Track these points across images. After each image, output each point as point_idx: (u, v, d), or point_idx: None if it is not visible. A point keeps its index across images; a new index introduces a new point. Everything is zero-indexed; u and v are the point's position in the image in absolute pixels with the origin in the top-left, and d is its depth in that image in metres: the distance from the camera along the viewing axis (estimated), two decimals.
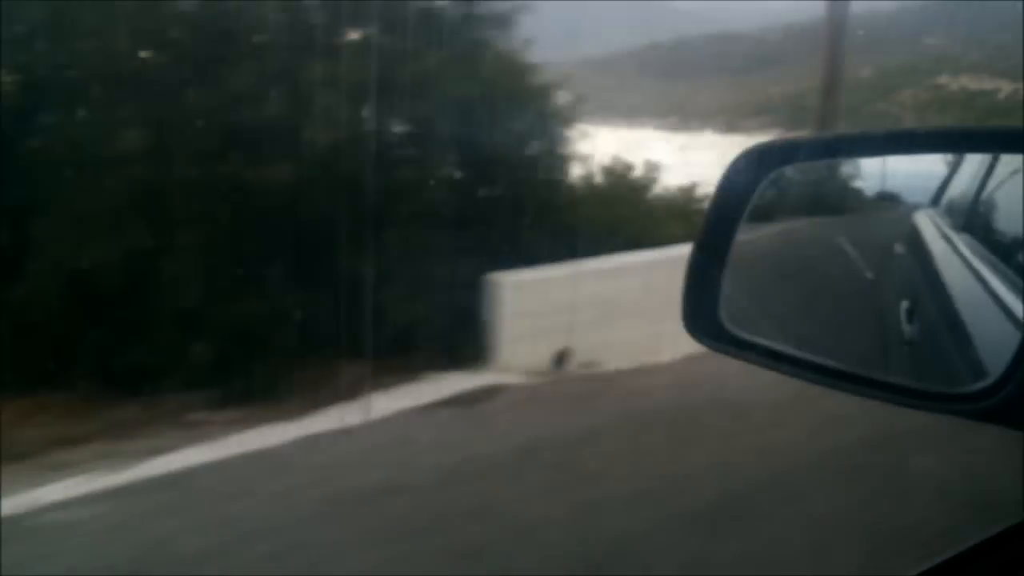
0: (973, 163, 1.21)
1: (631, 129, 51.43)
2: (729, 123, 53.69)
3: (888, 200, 1.20)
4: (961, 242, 1.18)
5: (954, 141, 1.12)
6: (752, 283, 1.19)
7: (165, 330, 8.90)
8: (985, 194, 1.16)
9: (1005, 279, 1.03)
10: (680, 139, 48.68)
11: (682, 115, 55.44)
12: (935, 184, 1.20)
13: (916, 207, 1.20)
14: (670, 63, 59.06)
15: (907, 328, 1.13)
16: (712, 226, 1.11)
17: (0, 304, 7.94)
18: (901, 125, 40.71)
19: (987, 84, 40.26)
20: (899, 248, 1.21)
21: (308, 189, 10.03)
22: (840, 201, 1.20)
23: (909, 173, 1.20)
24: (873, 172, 1.18)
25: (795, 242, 1.24)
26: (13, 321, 7.88)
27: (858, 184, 1.20)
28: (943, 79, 44.04)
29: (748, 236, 1.16)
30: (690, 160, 43.45)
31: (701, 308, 1.10)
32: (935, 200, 1.20)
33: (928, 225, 1.20)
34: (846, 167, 1.14)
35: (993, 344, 0.95)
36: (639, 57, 63.05)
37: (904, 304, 1.16)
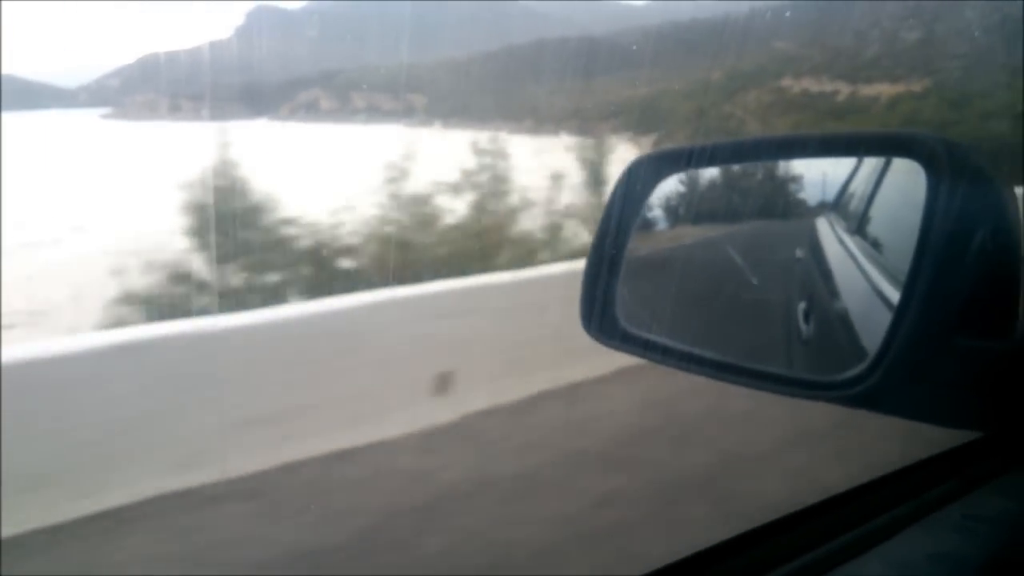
0: (868, 168, 1.31)
1: (481, 133, 51.70)
2: (582, 126, 54.90)
3: (797, 206, 1.29)
4: (853, 244, 1.29)
5: (838, 146, 1.23)
6: (647, 291, 1.26)
7: None
8: (875, 198, 1.27)
9: (887, 274, 1.13)
10: (535, 143, 49.42)
11: (536, 118, 56.30)
12: (836, 190, 1.30)
13: (819, 212, 1.30)
14: (526, 66, 59.85)
15: (804, 328, 1.23)
16: (606, 232, 1.17)
17: None
18: (744, 127, 42.82)
19: (827, 86, 42.77)
20: (800, 252, 1.31)
21: None
22: (747, 208, 1.28)
23: (814, 181, 1.29)
24: (786, 179, 1.26)
25: (689, 251, 1.31)
26: None
27: (769, 190, 1.28)
28: (786, 81, 46.52)
29: (645, 243, 1.23)
30: (546, 163, 44.13)
31: (598, 309, 1.17)
32: (834, 205, 1.30)
33: (826, 229, 1.30)
34: (758, 174, 1.21)
35: (875, 336, 1.05)
36: (496, 60, 63.57)
37: (801, 305, 1.25)
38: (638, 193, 1.19)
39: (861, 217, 1.38)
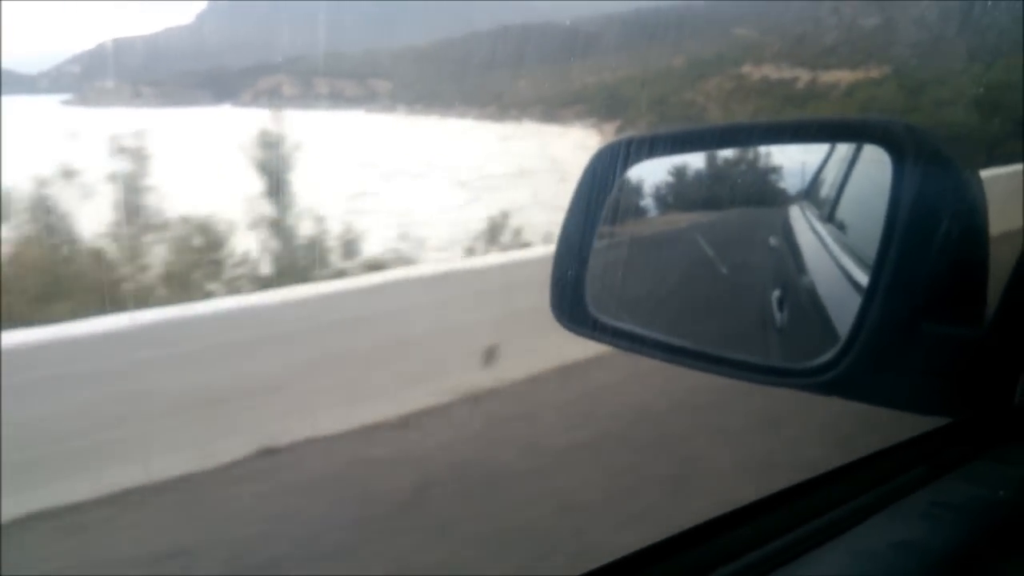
0: (839, 156, 1.31)
1: (447, 120, 51.82)
2: (546, 112, 55.18)
3: (772, 194, 1.29)
4: (825, 231, 1.29)
5: (805, 133, 1.23)
6: (618, 279, 1.25)
7: None
8: (847, 185, 1.27)
9: (858, 261, 1.13)
10: (501, 129, 49.55)
11: (500, 105, 56.34)
12: (809, 178, 1.29)
13: (792, 200, 1.29)
14: (490, 53, 59.71)
15: (778, 316, 1.22)
16: (574, 219, 1.16)
17: None
18: (705, 113, 43.18)
19: (786, 73, 43.18)
20: (773, 241, 1.30)
21: None
22: (722, 195, 1.27)
23: (789, 170, 1.29)
24: (761, 166, 1.26)
25: (661, 240, 1.30)
26: None
27: (745, 179, 1.27)
28: (746, 68, 46.92)
29: (618, 229, 1.22)
30: (512, 149, 44.01)
31: (568, 297, 1.15)
32: (807, 193, 1.30)
33: (799, 217, 1.30)
34: (733, 160, 1.21)
35: (848, 323, 1.04)
36: (459, 46, 63.39)
37: (776, 293, 1.25)
38: (606, 180, 1.17)
39: (833, 204, 1.38)
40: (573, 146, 44.75)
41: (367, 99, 59.91)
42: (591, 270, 1.19)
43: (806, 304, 1.35)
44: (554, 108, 55.13)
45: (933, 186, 1.02)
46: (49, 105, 70.70)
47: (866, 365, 1.01)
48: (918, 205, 1.00)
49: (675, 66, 51.84)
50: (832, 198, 1.39)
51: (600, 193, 1.17)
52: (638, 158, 1.22)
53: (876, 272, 1.03)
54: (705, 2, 63.33)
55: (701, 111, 44.15)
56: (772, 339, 1.27)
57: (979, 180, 1.08)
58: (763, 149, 1.21)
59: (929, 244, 1.00)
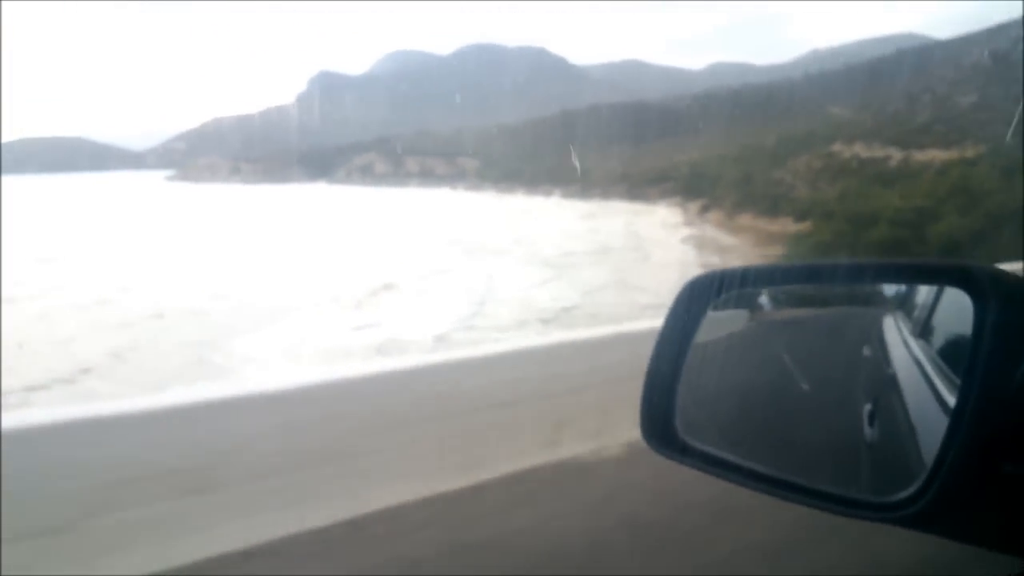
0: None
1: (533, 197, 52.64)
2: (631, 190, 55.44)
3: (870, 296, 1.33)
4: (917, 348, 1.31)
5: (888, 274, 1.25)
6: (710, 394, 1.30)
7: None
8: (938, 304, 1.29)
9: (949, 385, 1.15)
10: (585, 206, 49.97)
11: (586, 182, 56.93)
12: (905, 289, 1.32)
13: (887, 309, 1.32)
14: (579, 131, 60.82)
15: (869, 430, 1.24)
16: (664, 347, 1.22)
17: None
18: (793, 192, 42.63)
19: (878, 152, 42.53)
20: (867, 351, 1.33)
21: None
22: (819, 295, 1.33)
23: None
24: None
25: (755, 340, 1.34)
26: None
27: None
28: (837, 146, 46.48)
29: (712, 328, 1.28)
30: (596, 227, 44.11)
31: (657, 421, 1.21)
32: (902, 304, 1.32)
33: (892, 329, 1.33)
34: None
35: (934, 446, 1.06)
36: (549, 125, 64.77)
37: (867, 407, 1.27)
38: (695, 311, 1.24)
39: (925, 321, 1.40)
40: (657, 224, 44.71)
41: (456, 176, 61.45)
42: (680, 394, 1.24)
43: (897, 421, 1.37)
44: (639, 186, 55.45)
45: (1015, 331, 1.06)
46: (154, 180, 74.42)
47: (947, 502, 1.04)
48: (998, 350, 1.04)
49: (765, 143, 51.72)
50: (925, 315, 1.41)
51: (689, 323, 1.24)
52: (724, 290, 1.28)
53: (959, 408, 1.07)
54: (796, 80, 63.42)
55: (788, 189, 43.76)
56: (863, 454, 1.29)
57: None
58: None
59: (1008, 386, 1.04)
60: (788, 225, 35.28)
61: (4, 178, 78.39)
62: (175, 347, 19.87)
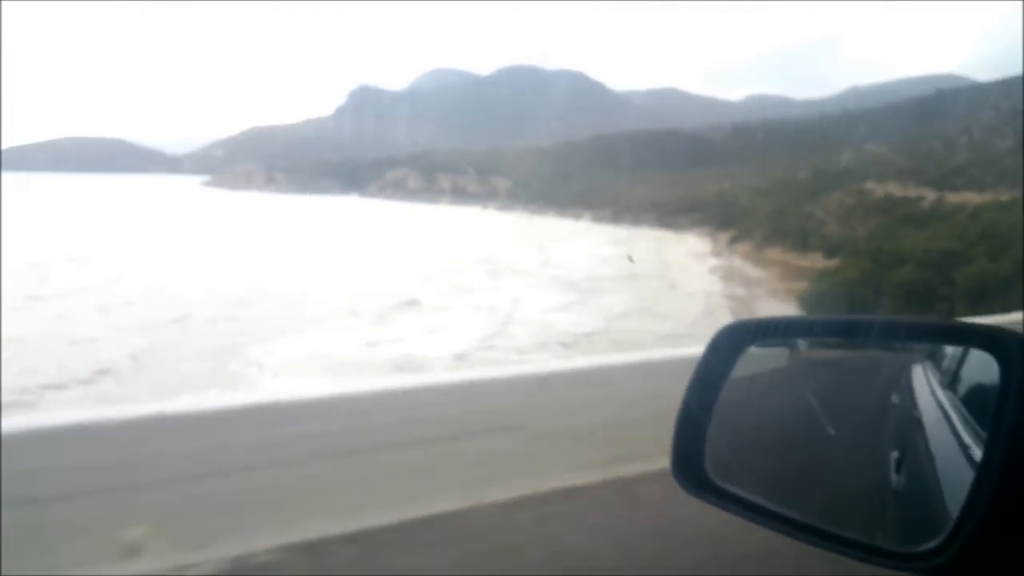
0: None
1: (563, 220, 52.58)
2: (661, 218, 55.17)
3: (895, 347, 1.35)
4: (945, 399, 1.32)
5: (919, 334, 1.29)
6: (742, 435, 1.33)
7: None
8: (968, 357, 1.30)
9: (977, 439, 1.18)
10: (615, 231, 49.82)
11: (617, 208, 56.75)
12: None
13: (916, 359, 1.34)
14: (612, 156, 60.81)
15: (895, 478, 1.25)
16: (695, 391, 1.27)
17: None
18: (823, 228, 42.23)
19: (911, 192, 41.99)
20: (895, 398, 1.35)
21: None
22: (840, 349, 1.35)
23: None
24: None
25: (786, 380, 1.37)
26: None
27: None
28: (870, 184, 46.02)
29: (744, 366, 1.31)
30: (625, 253, 43.84)
31: (688, 463, 1.24)
32: (931, 354, 1.34)
33: (921, 378, 1.34)
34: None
35: (959, 499, 1.08)
36: (582, 149, 64.85)
37: (894, 454, 1.28)
38: (727, 358, 1.28)
39: (954, 373, 1.42)
40: (685, 253, 44.46)
41: (487, 195, 61.54)
42: (710, 437, 1.29)
43: (923, 470, 1.38)
44: (670, 214, 55.20)
45: None
46: (189, 185, 75.23)
47: (972, 555, 1.06)
48: (1022, 413, 1.08)
49: (798, 178, 51.35)
50: (953, 367, 1.44)
51: (723, 367, 1.29)
52: (758, 339, 1.32)
53: (984, 465, 1.10)
54: (833, 116, 63.02)
55: (818, 225, 43.38)
56: (889, 501, 1.31)
57: None
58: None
59: None
60: (817, 260, 35.00)
61: (44, 175, 79.93)
62: (193, 353, 20.18)
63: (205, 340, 21.01)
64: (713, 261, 40.81)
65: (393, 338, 22.47)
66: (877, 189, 45.25)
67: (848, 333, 1.38)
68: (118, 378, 17.95)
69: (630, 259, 33.92)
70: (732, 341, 1.32)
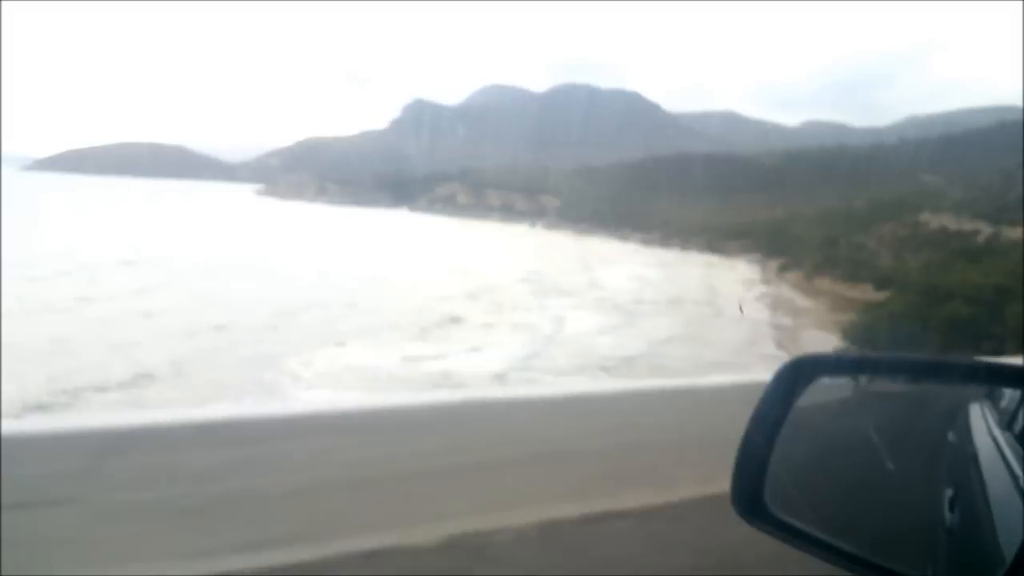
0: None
1: (611, 241, 52.37)
2: (711, 242, 54.59)
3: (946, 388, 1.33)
4: (1003, 439, 1.30)
5: (978, 374, 1.29)
6: (802, 468, 1.33)
7: None
8: None
9: None
10: (664, 254, 49.45)
11: (667, 231, 56.34)
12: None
13: (974, 397, 1.33)
14: (664, 178, 60.48)
15: (948, 516, 1.24)
16: (760, 421, 1.29)
17: None
18: (874, 259, 41.45)
19: (966, 225, 41.07)
20: (952, 436, 1.34)
21: None
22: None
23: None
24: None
25: (846, 415, 1.37)
26: None
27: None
28: (925, 216, 45.17)
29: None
30: (672, 277, 43.58)
31: (749, 495, 1.25)
32: (989, 393, 1.32)
33: (979, 417, 1.33)
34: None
35: (1014, 542, 1.08)
36: (634, 170, 64.67)
37: (948, 492, 1.26)
38: (788, 393, 1.31)
39: (1013, 414, 1.41)
40: (733, 279, 43.93)
41: (536, 213, 61.62)
42: (770, 471, 1.31)
43: (977, 510, 1.36)
44: (720, 239, 54.60)
45: None
46: (244, 193, 76.44)
47: None
48: None
49: (851, 207, 50.53)
50: (1012, 408, 1.43)
51: (783, 403, 1.31)
52: (821, 374, 1.34)
53: None
54: (896, 144, 62.00)
55: (871, 256, 42.63)
56: (942, 538, 1.30)
57: None
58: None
59: None
60: (867, 292, 34.41)
61: (106, 179, 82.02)
62: (233, 361, 20.41)
63: (245, 349, 21.52)
64: (761, 288, 40.32)
65: (433, 354, 22.52)
66: (932, 221, 44.43)
67: (910, 370, 1.41)
68: (162, 383, 18.20)
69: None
70: (799, 374, 1.36)
